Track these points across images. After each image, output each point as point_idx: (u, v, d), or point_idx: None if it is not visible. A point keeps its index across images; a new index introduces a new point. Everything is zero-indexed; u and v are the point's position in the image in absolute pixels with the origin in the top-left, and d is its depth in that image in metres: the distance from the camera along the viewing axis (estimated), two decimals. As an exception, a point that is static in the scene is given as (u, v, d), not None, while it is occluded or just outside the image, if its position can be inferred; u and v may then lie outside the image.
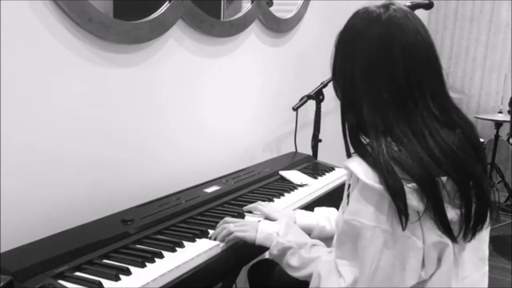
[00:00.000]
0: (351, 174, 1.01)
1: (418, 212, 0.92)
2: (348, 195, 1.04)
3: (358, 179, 0.96)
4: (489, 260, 1.07)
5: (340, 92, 1.07)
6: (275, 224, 1.25)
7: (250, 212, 1.46)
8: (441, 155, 0.93)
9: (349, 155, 1.03)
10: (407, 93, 0.97)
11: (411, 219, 0.91)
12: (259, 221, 1.30)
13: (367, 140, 1.01)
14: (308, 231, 1.36)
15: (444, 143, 0.94)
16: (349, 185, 1.04)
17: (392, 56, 0.97)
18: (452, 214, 0.94)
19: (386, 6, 1.02)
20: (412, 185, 0.91)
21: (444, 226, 0.92)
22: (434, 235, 0.94)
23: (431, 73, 1.00)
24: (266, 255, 1.25)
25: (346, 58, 1.04)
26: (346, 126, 1.05)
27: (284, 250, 1.16)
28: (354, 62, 1.01)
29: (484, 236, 1.04)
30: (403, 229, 0.91)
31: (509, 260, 2.98)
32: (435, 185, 0.91)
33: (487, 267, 1.07)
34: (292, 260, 1.15)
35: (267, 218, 1.40)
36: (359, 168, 0.96)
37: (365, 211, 0.95)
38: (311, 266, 1.11)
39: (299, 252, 1.15)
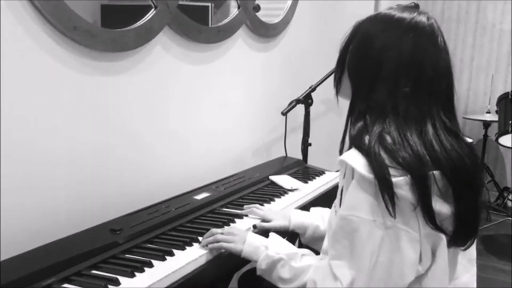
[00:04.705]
0: (345, 169, 1.00)
1: (413, 204, 0.91)
2: (341, 192, 1.03)
3: (353, 173, 0.95)
4: (481, 259, 1.08)
5: (358, 81, 1.04)
6: (262, 238, 1.22)
7: (246, 216, 1.47)
8: (442, 155, 0.93)
9: (342, 153, 1.01)
10: (425, 97, 0.98)
11: (405, 210, 0.91)
12: (253, 224, 1.32)
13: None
14: (303, 230, 1.37)
15: (448, 144, 0.95)
16: (342, 182, 1.02)
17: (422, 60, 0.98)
18: (443, 208, 0.93)
19: (408, 10, 1.05)
20: (408, 177, 0.90)
21: (430, 219, 0.92)
22: (427, 226, 0.93)
23: (450, 81, 1.01)
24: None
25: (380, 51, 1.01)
26: (353, 116, 1.02)
27: (274, 263, 1.12)
28: (384, 56, 0.99)
29: (473, 238, 1.05)
30: (393, 216, 0.90)
31: (500, 259, 3.00)
32: (425, 178, 0.91)
33: (475, 268, 1.08)
34: (283, 272, 1.10)
35: (263, 220, 1.42)
36: (356, 159, 0.94)
37: (363, 205, 0.93)
38: (304, 276, 1.06)
39: (289, 263, 1.10)
